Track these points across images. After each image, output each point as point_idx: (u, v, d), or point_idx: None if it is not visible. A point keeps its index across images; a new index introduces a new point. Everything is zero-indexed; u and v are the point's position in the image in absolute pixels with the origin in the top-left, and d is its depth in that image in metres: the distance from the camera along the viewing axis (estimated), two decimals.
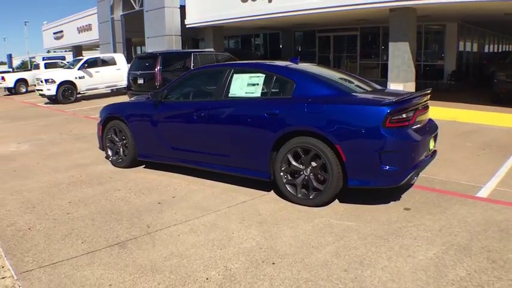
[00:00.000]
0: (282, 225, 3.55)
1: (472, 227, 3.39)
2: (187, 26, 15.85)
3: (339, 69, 5.21)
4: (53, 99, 14.73)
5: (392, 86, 10.11)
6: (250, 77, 4.41)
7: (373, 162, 3.59)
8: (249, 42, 22.68)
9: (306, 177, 3.92)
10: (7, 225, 3.72)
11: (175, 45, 16.11)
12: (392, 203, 4.02)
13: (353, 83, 4.56)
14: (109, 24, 19.32)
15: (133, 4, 17.97)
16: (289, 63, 4.59)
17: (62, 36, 29.13)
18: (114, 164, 5.71)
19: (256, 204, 4.09)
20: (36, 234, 3.51)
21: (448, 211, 3.77)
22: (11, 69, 30.49)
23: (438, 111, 9.57)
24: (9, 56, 39.57)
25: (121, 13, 19.15)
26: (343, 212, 3.80)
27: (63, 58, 28.07)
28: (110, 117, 5.65)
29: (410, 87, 10.20)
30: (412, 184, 4.37)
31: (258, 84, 4.32)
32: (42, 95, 14.80)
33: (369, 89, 4.57)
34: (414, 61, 10.49)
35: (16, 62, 39.13)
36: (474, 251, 2.97)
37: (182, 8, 16.04)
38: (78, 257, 3.09)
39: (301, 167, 3.94)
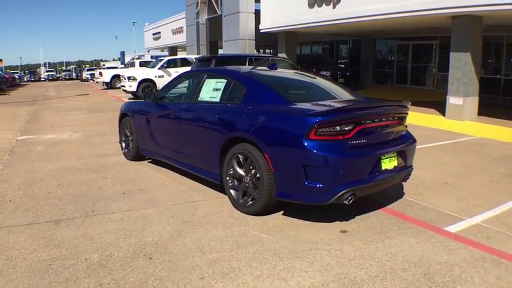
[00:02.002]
0: (201, 227, 3.73)
1: (394, 264, 3.05)
2: (261, 31, 16.50)
3: (321, 77, 5.10)
4: (134, 95, 16.61)
5: (452, 100, 9.23)
6: (216, 82, 4.67)
7: (296, 175, 3.51)
8: (331, 49, 22.57)
9: (247, 184, 4.04)
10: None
11: (249, 49, 16.87)
12: (336, 223, 3.86)
13: (320, 92, 4.50)
14: (194, 27, 21.00)
15: (216, 9, 19.28)
16: (246, 69, 4.73)
17: (159, 37, 32.62)
18: (125, 156, 6.44)
19: (202, 205, 4.32)
20: (9, 205, 4.31)
21: (387, 241, 3.45)
22: (122, 66, 34.61)
23: (497, 131, 8.56)
24: (122, 54, 45.07)
25: (206, 17, 20.69)
26: (272, 224, 3.79)
27: None
28: (124, 113, 6.41)
29: (471, 102, 9.18)
30: (348, 204, 3.78)
31: (220, 89, 4.56)
32: (125, 91, 16.82)
33: (344, 98, 4.47)
34: (478, 74, 9.39)
35: (127, 59, 44.35)
36: None
37: (258, 13, 16.73)
38: (19, 225, 3.74)
39: (243, 173, 4.07)
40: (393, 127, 4.07)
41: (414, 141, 4.33)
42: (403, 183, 4.95)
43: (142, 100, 6.03)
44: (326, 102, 3.98)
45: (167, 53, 35.50)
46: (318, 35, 19.02)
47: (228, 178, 4.21)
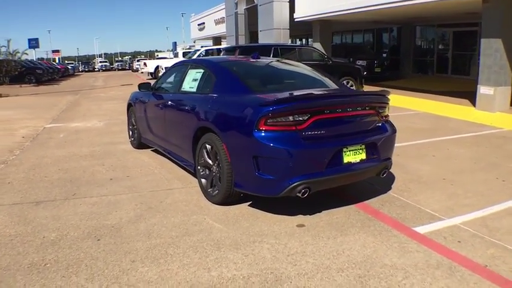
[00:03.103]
0: (162, 214, 3.89)
1: (333, 263, 2.97)
2: (295, 20, 16.35)
3: (304, 67, 5.00)
4: None
5: (482, 90, 8.61)
6: (196, 72, 4.79)
7: (248, 166, 3.54)
8: (372, 38, 21.91)
9: (214, 174, 4.14)
10: (1, 179, 5.08)
11: (283, 38, 16.81)
12: (298, 216, 3.78)
13: (296, 82, 4.45)
14: (233, 17, 21.21)
15: None
16: (224, 58, 4.77)
17: (203, 28, 33.50)
18: (132, 144, 6.80)
19: (175, 193, 4.49)
20: (6, 187, 4.81)
21: (340, 238, 3.35)
22: (173, 56, 36.01)
23: None
24: (174, 44, 46.91)
25: (244, 7, 20.81)
26: (232, 214, 3.85)
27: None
28: (129, 103, 6.75)
29: (503, 92, 8.46)
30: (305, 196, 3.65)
31: (197, 79, 4.68)
32: None
33: (322, 88, 4.41)
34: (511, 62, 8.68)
35: (179, 50, 45.99)
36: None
37: (293, 2, 16.57)
38: (4, 205, 4.20)
39: (211, 162, 4.16)
40: (363, 118, 3.94)
41: (392, 132, 4.15)
42: (396, 177, 4.83)
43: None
44: (290, 92, 3.94)
45: (211, 43, 36.19)
46: (358, 24, 18.46)
47: (199, 167, 4.34)
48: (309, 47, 13.74)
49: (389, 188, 4.62)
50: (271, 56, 11.72)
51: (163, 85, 5.72)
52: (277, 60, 5.12)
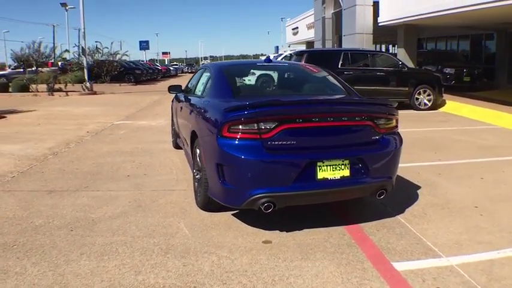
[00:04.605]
0: (144, 213, 4.03)
1: None
2: (379, 24, 15.62)
3: (319, 73, 4.70)
4: None
5: None
6: (205, 76, 4.89)
7: (214, 174, 3.49)
8: (469, 44, 19.75)
9: (201, 179, 4.17)
10: (39, 168, 5.77)
11: (366, 44, 16.17)
12: (273, 231, 3.58)
13: (297, 88, 4.28)
14: (321, 22, 20.98)
15: (341, 3, 18.88)
16: (231, 62, 4.75)
17: (297, 32, 33.85)
18: (172, 143, 7.16)
19: (173, 194, 4.61)
20: (37, 175, 5.45)
21: (296, 263, 3.08)
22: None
23: None
24: (277, 48, 48.89)
25: (332, 11, 20.42)
26: (210, 221, 3.83)
27: None
28: (171, 105, 7.16)
29: None
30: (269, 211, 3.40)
31: (204, 82, 4.77)
32: None
33: (327, 95, 4.20)
34: None
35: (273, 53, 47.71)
36: None
37: (377, 6, 15.85)
38: (23, 191, 4.78)
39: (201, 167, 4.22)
40: (351, 129, 3.57)
41: (393, 147, 3.66)
42: (419, 200, 4.38)
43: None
44: (272, 98, 3.80)
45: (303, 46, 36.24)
46: (451, 29, 16.81)
47: (194, 171, 4.41)
48: (384, 52, 13.02)
49: (402, 212, 4.13)
50: (341, 61, 11.36)
51: (188, 88, 5.94)
52: (291, 65, 4.96)
